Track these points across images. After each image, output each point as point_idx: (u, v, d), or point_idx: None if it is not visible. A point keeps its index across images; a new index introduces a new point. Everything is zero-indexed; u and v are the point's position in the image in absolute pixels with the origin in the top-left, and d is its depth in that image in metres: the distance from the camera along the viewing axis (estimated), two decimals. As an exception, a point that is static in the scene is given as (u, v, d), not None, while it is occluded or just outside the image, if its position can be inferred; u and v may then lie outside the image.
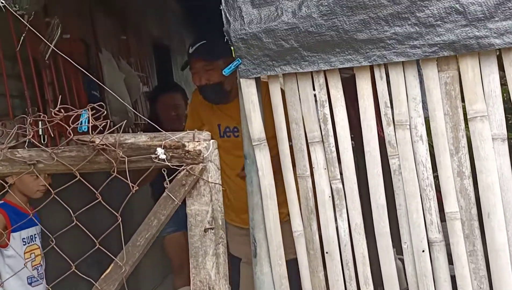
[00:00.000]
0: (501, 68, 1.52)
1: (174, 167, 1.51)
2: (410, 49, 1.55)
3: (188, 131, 1.56)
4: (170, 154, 1.49)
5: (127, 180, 1.56)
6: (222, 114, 2.44)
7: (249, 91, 1.70)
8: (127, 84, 3.85)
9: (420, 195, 1.59)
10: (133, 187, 1.53)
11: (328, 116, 1.67)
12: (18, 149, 1.63)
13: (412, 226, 1.59)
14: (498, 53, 1.52)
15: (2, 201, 2.25)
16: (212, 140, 1.51)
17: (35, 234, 2.34)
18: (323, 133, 1.67)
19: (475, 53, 1.52)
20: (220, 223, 1.50)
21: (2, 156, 1.62)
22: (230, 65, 1.71)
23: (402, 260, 1.70)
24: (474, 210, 1.54)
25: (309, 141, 1.69)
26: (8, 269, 2.21)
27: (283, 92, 1.74)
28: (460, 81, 1.55)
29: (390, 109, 1.61)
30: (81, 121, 1.58)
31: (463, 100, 1.55)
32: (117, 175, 1.54)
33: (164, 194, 1.54)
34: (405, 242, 1.61)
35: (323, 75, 1.66)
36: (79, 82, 3.30)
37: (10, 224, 2.21)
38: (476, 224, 1.54)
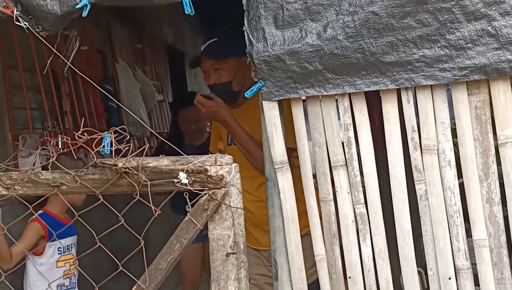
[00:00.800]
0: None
1: (196, 191, 1.47)
2: (439, 72, 1.47)
3: (210, 155, 1.50)
4: (193, 179, 1.45)
5: (149, 203, 1.51)
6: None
7: (271, 113, 1.63)
8: (143, 93, 3.79)
9: (447, 221, 1.51)
10: (155, 211, 1.48)
11: (353, 140, 1.59)
12: (42, 171, 1.61)
13: (438, 253, 1.51)
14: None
15: (42, 211, 2.29)
16: (234, 164, 1.47)
17: (71, 244, 2.39)
18: (347, 156, 1.59)
19: (507, 77, 1.43)
20: (242, 248, 1.46)
21: (26, 177, 1.60)
22: (253, 88, 1.64)
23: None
24: (503, 237, 1.46)
25: (332, 165, 1.61)
26: (39, 276, 2.24)
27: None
28: (491, 105, 1.47)
29: (417, 133, 1.53)
30: (104, 145, 1.54)
31: (493, 125, 1.47)
32: (140, 198, 1.50)
33: (186, 218, 1.48)
34: (431, 269, 1.53)
35: (348, 98, 1.58)
36: (96, 93, 3.25)
37: (48, 234, 2.25)
38: (505, 251, 1.46)
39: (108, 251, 1.55)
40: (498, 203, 1.46)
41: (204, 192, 1.45)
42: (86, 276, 1.59)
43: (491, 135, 1.46)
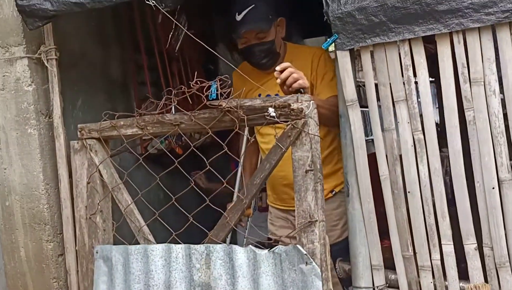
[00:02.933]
0: None
1: (282, 122, 1.67)
2: (485, 16, 1.62)
3: (293, 95, 1.70)
4: (279, 112, 1.66)
5: (243, 133, 1.75)
6: (263, 83, 2.15)
7: (344, 60, 1.85)
8: (238, 73, 4.06)
9: (492, 141, 1.66)
10: (249, 139, 1.73)
11: (412, 78, 1.77)
12: (166, 114, 1.86)
13: (484, 167, 1.66)
14: None
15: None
16: (312, 101, 1.65)
17: None
18: (407, 92, 1.79)
19: (544, 17, 1.57)
20: (318, 167, 1.65)
21: (155, 119, 1.90)
22: (328, 40, 1.86)
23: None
24: (541, 153, 1.59)
25: (394, 100, 1.80)
26: None
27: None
28: (530, 42, 1.60)
29: (466, 68, 1.69)
30: (211, 90, 1.83)
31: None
32: (238, 131, 1.74)
33: (274, 143, 1.73)
34: (478, 181, 1.68)
35: (408, 44, 1.77)
36: (201, 72, 3.61)
37: None
38: (543, 164, 1.59)
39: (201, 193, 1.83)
40: (537, 124, 1.59)
41: (288, 123, 1.66)
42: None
43: (530, 67, 1.60)
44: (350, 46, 1.82)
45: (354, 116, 1.85)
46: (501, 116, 1.64)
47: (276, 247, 1.59)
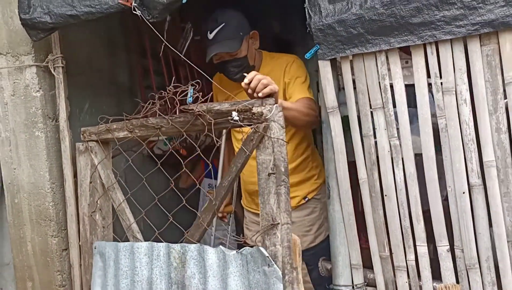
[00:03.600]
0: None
1: (246, 125, 1.65)
2: (456, 28, 1.66)
3: (258, 99, 1.65)
4: (242, 116, 1.65)
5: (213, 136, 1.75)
6: (238, 92, 2.06)
7: (325, 70, 1.91)
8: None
9: (463, 148, 1.70)
10: (217, 141, 1.72)
11: (388, 87, 1.83)
12: (150, 118, 1.89)
13: (455, 173, 1.70)
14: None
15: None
16: (276, 104, 1.62)
17: None
18: (383, 100, 1.84)
19: (512, 29, 1.60)
20: (283, 170, 1.62)
21: (140, 123, 1.92)
22: (311, 50, 1.93)
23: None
24: (509, 159, 1.61)
25: (372, 107, 1.86)
26: None
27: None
28: (500, 53, 1.63)
29: (439, 78, 1.73)
30: (189, 95, 1.79)
31: (502, 69, 1.63)
32: (208, 133, 1.70)
33: (240, 147, 1.71)
34: (450, 186, 1.72)
35: (384, 54, 1.82)
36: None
37: None
38: (510, 171, 1.61)
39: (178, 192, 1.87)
40: (505, 132, 1.62)
41: (252, 126, 1.64)
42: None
43: (499, 77, 1.63)
44: (330, 56, 1.88)
45: (335, 122, 1.91)
46: (471, 124, 1.67)
47: (243, 248, 1.61)
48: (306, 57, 1.95)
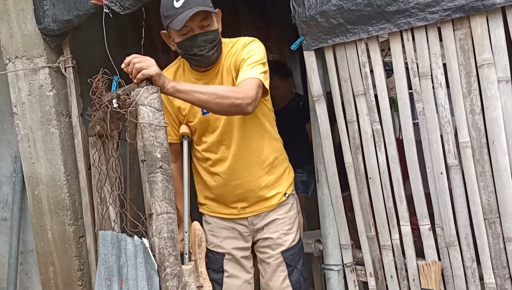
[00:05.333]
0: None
1: (123, 112, 1.56)
2: (429, 15, 1.70)
3: (135, 84, 1.55)
4: (121, 103, 1.59)
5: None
6: (206, 84, 1.84)
7: (310, 60, 1.98)
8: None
9: (440, 130, 1.74)
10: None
11: (369, 74, 1.88)
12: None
13: (433, 154, 1.75)
14: (502, 11, 1.60)
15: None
16: (146, 87, 1.49)
17: None
18: (365, 87, 1.90)
19: (482, 13, 1.60)
20: (158, 156, 1.49)
21: (100, 117, 1.95)
22: (296, 42, 2.00)
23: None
24: (483, 140, 1.65)
25: (355, 94, 1.92)
26: None
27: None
28: (472, 36, 1.67)
29: (415, 63, 1.78)
30: (113, 84, 1.82)
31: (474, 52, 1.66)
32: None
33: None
34: (429, 167, 1.77)
35: (364, 42, 1.88)
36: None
37: None
38: (485, 150, 1.65)
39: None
40: (479, 113, 1.66)
41: (123, 110, 1.56)
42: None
43: (472, 60, 1.66)
44: (314, 47, 1.95)
45: (321, 110, 1.99)
46: (447, 106, 1.72)
47: (136, 238, 1.53)
48: (292, 48, 2.02)
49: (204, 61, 1.81)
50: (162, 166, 1.47)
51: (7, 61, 2.63)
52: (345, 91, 1.94)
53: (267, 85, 1.79)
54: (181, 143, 1.97)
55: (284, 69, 3.38)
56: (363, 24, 1.83)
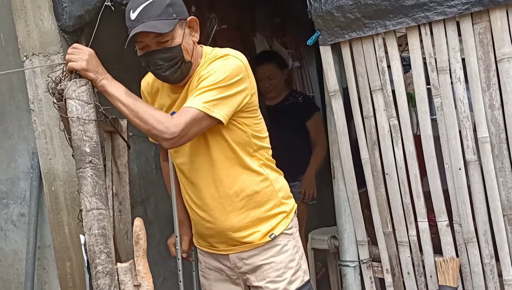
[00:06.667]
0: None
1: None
2: (448, 9, 1.69)
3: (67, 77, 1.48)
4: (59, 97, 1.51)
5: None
6: (170, 101, 1.63)
7: (326, 55, 1.99)
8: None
9: (459, 125, 1.74)
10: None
11: (386, 68, 1.88)
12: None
13: (451, 150, 1.75)
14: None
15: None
16: (73, 80, 1.45)
17: None
18: (382, 82, 1.90)
19: (502, 6, 1.60)
20: (87, 150, 1.44)
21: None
22: (312, 36, 2.00)
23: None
24: (503, 135, 1.64)
25: (372, 89, 1.93)
26: None
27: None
28: (491, 30, 1.66)
29: (433, 58, 1.78)
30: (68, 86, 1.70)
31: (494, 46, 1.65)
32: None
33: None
34: (447, 163, 1.77)
35: (381, 37, 1.88)
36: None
37: None
38: (504, 146, 1.64)
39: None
40: (498, 108, 1.65)
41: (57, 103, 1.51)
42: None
43: (491, 54, 1.65)
44: (331, 42, 1.95)
45: (337, 105, 1.99)
46: (466, 101, 1.71)
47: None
48: (308, 43, 2.02)
49: (164, 80, 1.58)
50: (92, 161, 1.42)
51: (24, 58, 2.68)
52: (361, 86, 1.94)
53: (220, 114, 1.46)
54: None
55: (280, 59, 3.19)
56: (380, 18, 1.83)
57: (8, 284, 2.98)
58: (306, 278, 1.63)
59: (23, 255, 2.92)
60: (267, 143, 1.64)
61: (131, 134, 1.93)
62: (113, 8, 2.04)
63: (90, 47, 2.53)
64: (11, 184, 2.89)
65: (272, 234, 1.59)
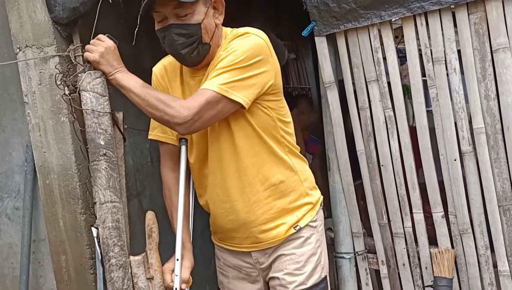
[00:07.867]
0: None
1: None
2: (443, -1, 1.70)
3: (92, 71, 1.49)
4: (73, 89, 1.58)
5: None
6: (191, 85, 1.53)
7: (321, 46, 1.98)
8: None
9: (454, 116, 1.74)
10: None
11: (381, 59, 1.88)
12: None
13: (447, 141, 1.75)
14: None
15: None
16: (88, 72, 1.49)
17: None
18: (377, 73, 1.90)
19: (498, -4, 1.61)
20: (102, 143, 1.46)
21: None
22: (307, 27, 2.00)
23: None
24: (498, 126, 1.65)
25: (367, 80, 1.92)
26: None
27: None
28: (487, 20, 1.65)
29: (429, 49, 1.77)
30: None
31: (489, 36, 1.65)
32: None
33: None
34: (442, 154, 1.78)
35: (377, 27, 1.88)
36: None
37: None
38: (500, 136, 1.64)
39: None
40: (494, 99, 1.65)
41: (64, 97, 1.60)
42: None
43: (487, 44, 1.65)
44: (326, 32, 1.95)
45: (332, 96, 1.99)
46: (461, 92, 1.71)
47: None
48: (303, 34, 2.02)
49: (180, 60, 1.49)
50: (106, 154, 1.41)
51: (18, 50, 2.66)
52: (357, 77, 1.94)
53: (240, 97, 1.38)
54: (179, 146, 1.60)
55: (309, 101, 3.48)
56: (376, 8, 1.82)
57: (3, 278, 2.98)
58: (324, 274, 1.56)
59: (18, 249, 2.92)
60: (291, 129, 1.55)
61: (126, 126, 1.94)
62: (110, 1, 2.03)
63: (84, 40, 2.53)
64: (5, 178, 2.88)
65: (297, 226, 1.53)
